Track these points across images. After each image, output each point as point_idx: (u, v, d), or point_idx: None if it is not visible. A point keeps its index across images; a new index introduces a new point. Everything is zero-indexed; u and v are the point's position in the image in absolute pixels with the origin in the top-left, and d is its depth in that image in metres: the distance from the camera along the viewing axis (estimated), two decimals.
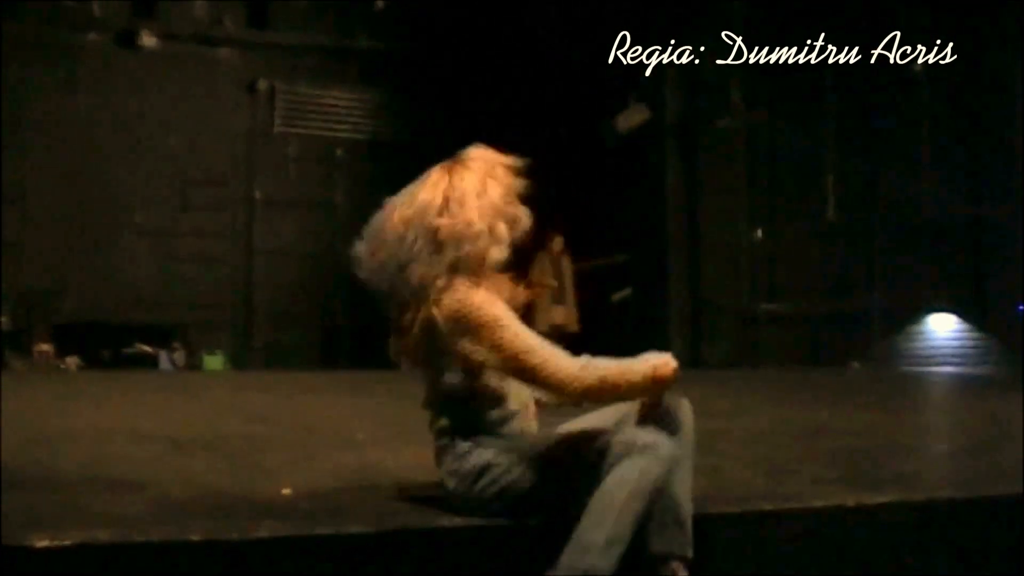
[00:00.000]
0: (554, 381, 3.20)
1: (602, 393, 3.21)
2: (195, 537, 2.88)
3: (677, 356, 3.31)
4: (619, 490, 3.02)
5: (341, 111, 18.98)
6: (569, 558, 3.01)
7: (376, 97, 19.07)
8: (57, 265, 17.35)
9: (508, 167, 3.38)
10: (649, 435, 3.12)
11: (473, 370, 3.25)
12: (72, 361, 16.96)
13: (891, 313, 14.72)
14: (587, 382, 3.18)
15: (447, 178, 3.32)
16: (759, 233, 16.24)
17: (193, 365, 17.64)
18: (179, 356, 17.74)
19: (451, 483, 3.28)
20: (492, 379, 3.28)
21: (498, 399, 3.31)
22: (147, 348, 17.55)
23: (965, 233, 14.28)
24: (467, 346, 3.21)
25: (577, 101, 17.18)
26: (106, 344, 17.33)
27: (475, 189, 3.30)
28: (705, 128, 16.44)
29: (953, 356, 14.30)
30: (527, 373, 3.22)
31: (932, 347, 14.63)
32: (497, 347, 3.20)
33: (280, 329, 18.41)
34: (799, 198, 15.93)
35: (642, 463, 3.04)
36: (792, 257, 15.90)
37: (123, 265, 17.79)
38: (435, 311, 3.21)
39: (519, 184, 3.38)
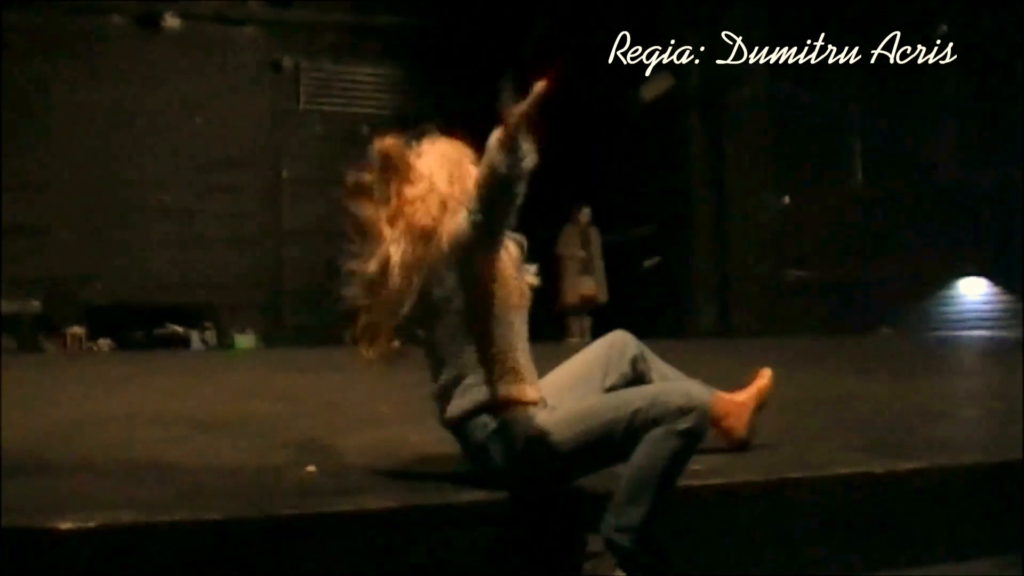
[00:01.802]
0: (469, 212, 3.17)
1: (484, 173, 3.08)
2: (216, 517, 2.89)
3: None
4: (657, 466, 2.98)
5: (366, 87, 18.99)
6: (609, 534, 3.00)
7: (400, 72, 19.06)
8: (86, 250, 17.44)
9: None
10: (683, 396, 3.05)
11: (483, 297, 3.26)
12: (104, 343, 17.08)
13: (921, 278, 14.64)
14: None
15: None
16: (785, 200, 16.17)
17: (224, 345, 17.73)
18: (210, 336, 17.83)
19: (495, 458, 3.23)
20: (518, 318, 3.33)
21: (515, 343, 3.31)
22: (178, 329, 17.64)
23: (993, 195, 14.16)
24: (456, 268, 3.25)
25: (600, 71, 17.09)
26: (138, 326, 17.43)
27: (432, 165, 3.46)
28: (729, 96, 16.37)
29: (984, 320, 14.21)
30: (471, 228, 3.18)
31: (963, 311, 14.55)
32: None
33: (310, 307, 18.45)
34: (825, 164, 15.85)
35: (678, 438, 2.99)
36: (819, 224, 15.81)
37: (152, 247, 17.87)
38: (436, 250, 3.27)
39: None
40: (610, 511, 3.02)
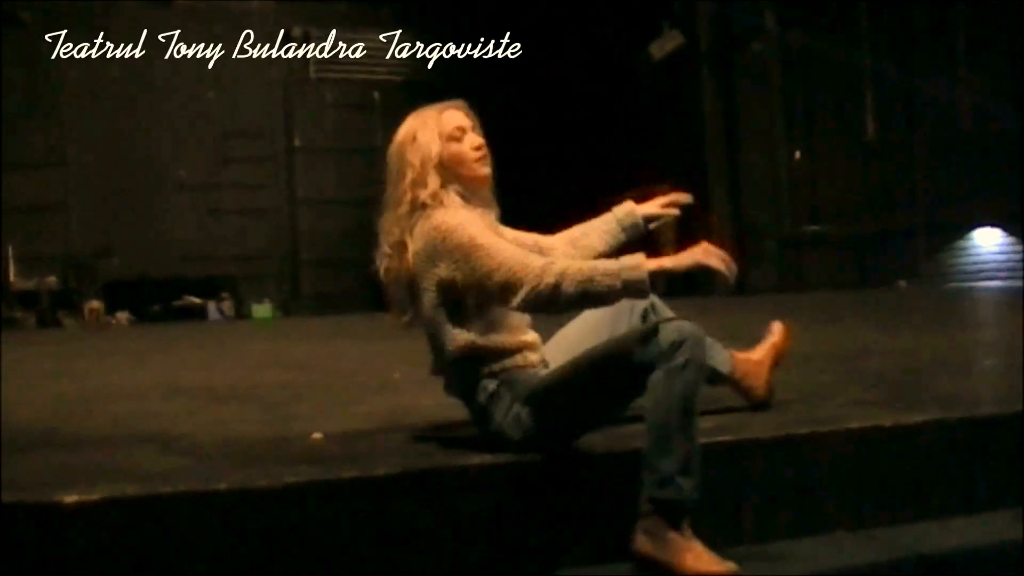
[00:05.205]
0: (522, 289, 3.05)
1: (572, 283, 3.01)
2: (222, 486, 2.88)
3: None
4: (671, 408, 2.94)
5: (376, 54, 18.93)
6: (652, 491, 2.96)
7: (410, 38, 18.99)
8: (103, 225, 17.51)
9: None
10: (672, 331, 3.00)
11: (453, 300, 3.25)
12: (122, 317, 17.15)
13: (936, 230, 14.57)
14: (554, 272, 3.03)
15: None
16: (798, 155, 16.08)
17: (242, 315, 17.78)
18: (227, 307, 17.88)
19: (498, 421, 3.24)
20: (495, 311, 3.28)
21: (496, 329, 3.28)
22: (195, 300, 17.70)
23: (1007, 145, 14.03)
24: (443, 271, 3.22)
25: (610, 32, 17.02)
26: (155, 299, 17.51)
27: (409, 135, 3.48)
28: (740, 52, 16.25)
29: (1000, 270, 14.14)
30: (500, 291, 3.12)
31: (979, 262, 14.47)
32: (472, 269, 3.15)
33: (326, 276, 18.50)
34: (838, 117, 15.74)
35: (680, 373, 2.94)
36: (833, 178, 15.74)
37: (168, 221, 17.94)
38: (410, 241, 3.30)
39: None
40: (644, 470, 2.98)
